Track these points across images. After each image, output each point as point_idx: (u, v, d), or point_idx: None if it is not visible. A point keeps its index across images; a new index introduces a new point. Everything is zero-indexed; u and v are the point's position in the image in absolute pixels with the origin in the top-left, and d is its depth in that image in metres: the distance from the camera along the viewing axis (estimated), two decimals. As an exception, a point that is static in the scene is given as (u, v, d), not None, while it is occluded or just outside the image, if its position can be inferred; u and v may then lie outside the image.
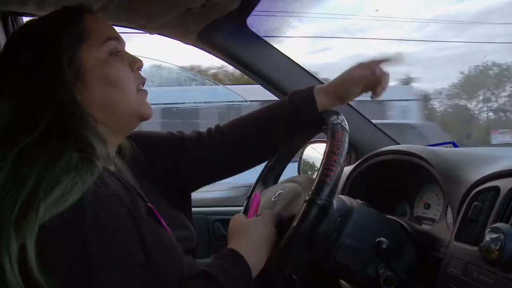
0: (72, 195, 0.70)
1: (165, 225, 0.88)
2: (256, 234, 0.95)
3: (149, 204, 0.87)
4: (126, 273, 0.73)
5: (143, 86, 0.94)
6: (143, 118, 0.93)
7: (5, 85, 0.83)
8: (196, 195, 1.22)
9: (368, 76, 1.10)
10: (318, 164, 1.27)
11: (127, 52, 0.92)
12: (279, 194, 1.14)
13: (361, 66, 1.12)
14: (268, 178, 1.31)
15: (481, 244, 0.83)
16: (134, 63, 0.92)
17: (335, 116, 1.03)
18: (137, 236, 0.76)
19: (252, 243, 0.93)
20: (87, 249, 0.69)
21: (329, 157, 0.92)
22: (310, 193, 0.91)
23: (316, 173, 0.95)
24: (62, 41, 0.84)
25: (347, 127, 0.99)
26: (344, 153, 0.94)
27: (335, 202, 0.99)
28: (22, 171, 0.72)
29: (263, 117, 1.18)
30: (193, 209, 1.17)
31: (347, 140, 0.96)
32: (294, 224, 0.91)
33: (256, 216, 1.02)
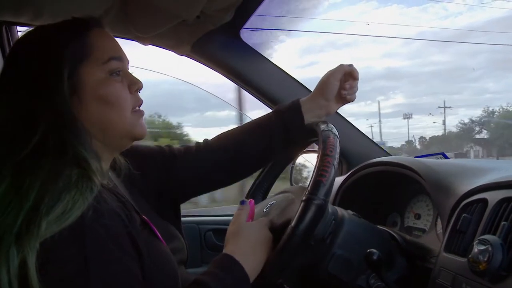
0: (73, 213, 0.70)
1: (160, 237, 0.88)
2: (252, 238, 0.95)
3: (144, 217, 0.87)
4: None
5: (139, 108, 0.93)
6: (136, 138, 0.93)
7: (5, 94, 0.84)
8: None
9: (342, 67, 1.16)
10: (309, 174, 1.28)
11: (128, 73, 0.92)
12: (271, 204, 1.15)
13: (333, 68, 1.18)
14: (256, 194, 1.33)
15: (470, 256, 0.84)
16: (134, 84, 0.91)
17: (325, 125, 1.05)
18: (133, 251, 0.77)
19: (248, 246, 0.93)
20: (88, 266, 0.69)
21: (323, 159, 0.94)
22: (306, 193, 0.92)
23: (310, 178, 0.96)
24: (64, 54, 0.83)
25: (337, 133, 1.01)
26: (337, 156, 0.96)
27: (329, 207, 1.01)
28: (23, 185, 0.71)
29: (250, 131, 1.19)
30: (185, 218, 1.18)
31: (338, 145, 0.98)
32: (292, 224, 0.91)
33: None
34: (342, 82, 1.17)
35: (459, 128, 35.37)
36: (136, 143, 0.98)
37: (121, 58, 0.90)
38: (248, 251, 0.92)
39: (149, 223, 0.88)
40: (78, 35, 0.87)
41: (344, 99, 1.19)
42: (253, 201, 1.08)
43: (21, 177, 0.73)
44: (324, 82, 1.17)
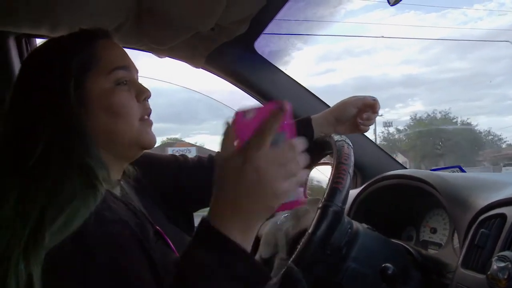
0: (75, 222, 0.69)
1: (173, 248, 0.88)
2: (241, 184, 0.63)
3: (158, 228, 0.87)
4: None
5: (148, 117, 0.93)
6: (144, 147, 0.92)
7: (16, 104, 0.85)
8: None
9: (364, 99, 1.20)
10: (323, 187, 1.27)
11: (136, 82, 0.92)
12: (285, 216, 1.14)
13: (356, 95, 1.23)
14: None
15: (488, 273, 0.83)
16: (141, 93, 0.90)
17: (339, 136, 1.06)
18: (144, 257, 0.75)
19: (237, 201, 0.64)
20: (88, 276, 0.68)
21: (338, 167, 0.94)
22: (323, 200, 0.92)
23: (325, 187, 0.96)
24: (70, 65, 0.84)
25: (351, 144, 1.02)
26: (352, 164, 0.96)
27: (344, 217, 1.00)
28: (27, 201, 0.71)
29: None
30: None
31: (352, 154, 0.99)
32: (310, 230, 0.91)
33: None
34: (361, 112, 1.20)
35: (381, 138, 33.26)
36: (148, 152, 0.98)
37: (127, 67, 0.90)
38: (229, 206, 0.64)
39: (162, 234, 0.87)
40: (84, 46, 0.87)
41: (357, 128, 1.23)
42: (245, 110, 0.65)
43: (27, 189, 0.73)
44: (343, 106, 1.22)
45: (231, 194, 0.63)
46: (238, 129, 0.64)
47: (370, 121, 1.22)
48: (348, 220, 1.03)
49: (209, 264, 0.62)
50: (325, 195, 0.93)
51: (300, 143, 0.65)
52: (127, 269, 0.71)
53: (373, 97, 1.22)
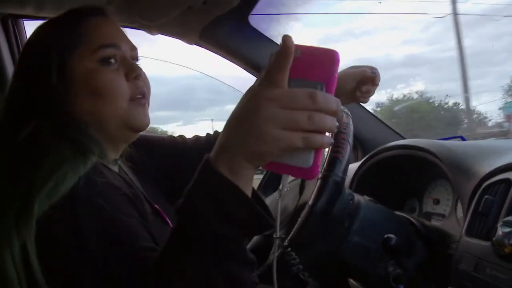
0: (63, 186, 0.67)
1: (171, 225, 0.86)
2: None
3: (156, 206, 0.86)
4: (129, 253, 0.67)
5: (143, 97, 0.87)
6: (135, 129, 0.88)
7: (11, 87, 0.85)
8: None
9: (363, 71, 1.17)
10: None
11: (126, 60, 0.87)
12: (285, 190, 1.12)
13: (355, 67, 1.20)
14: (267, 187, 1.31)
15: (494, 239, 0.81)
16: (131, 72, 0.85)
17: None
18: (136, 214, 0.73)
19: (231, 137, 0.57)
20: (83, 236, 0.66)
21: (338, 136, 0.92)
22: (322, 170, 0.89)
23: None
24: (51, 47, 0.83)
25: (349, 113, 0.99)
26: (351, 133, 0.94)
27: (345, 188, 0.98)
28: (16, 170, 0.71)
29: None
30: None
31: (351, 123, 0.96)
32: (310, 202, 0.89)
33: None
34: (360, 84, 1.17)
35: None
36: (147, 134, 0.95)
37: (115, 44, 0.85)
38: (225, 141, 0.58)
39: (160, 212, 0.86)
40: (71, 26, 0.85)
41: (356, 99, 1.20)
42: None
43: (16, 164, 0.73)
44: (341, 78, 1.17)
45: (229, 131, 0.57)
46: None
47: (370, 93, 1.20)
48: (349, 192, 1.01)
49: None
50: (324, 165, 0.90)
51: (333, 101, 0.54)
52: (119, 223, 0.69)
53: (373, 69, 1.18)
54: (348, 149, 0.91)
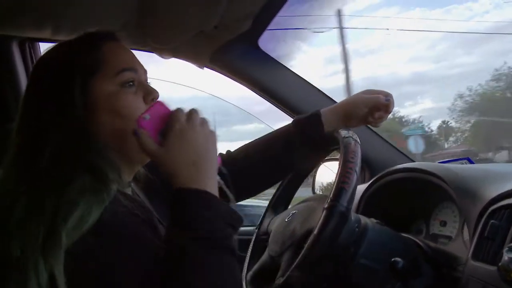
0: (91, 215, 0.70)
1: None
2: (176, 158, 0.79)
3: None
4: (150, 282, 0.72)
5: None
6: None
7: (25, 110, 0.86)
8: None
9: (377, 99, 1.17)
10: (331, 184, 1.27)
11: (144, 83, 0.91)
12: (293, 214, 1.14)
13: (370, 91, 1.19)
14: (278, 205, 1.32)
15: (500, 264, 0.81)
16: (149, 94, 0.90)
17: (346, 131, 1.04)
18: (158, 247, 0.76)
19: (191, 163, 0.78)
20: (112, 267, 0.70)
21: (345, 165, 0.93)
22: (329, 200, 0.90)
23: (332, 185, 0.94)
24: (74, 69, 0.85)
25: (358, 140, 1.00)
26: (359, 162, 0.95)
27: (352, 215, 0.99)
28: (38, 200, 0.72)
29: (269, 142, 1.21)
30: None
31: (359, 151, 0.97)
32: (315, 232, 0.90)
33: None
34: (373, 110, 1.17)
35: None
36: None
37: (134, 69, 0.90)
38: (190, 170, 0.78)
39: None
40: (89, 49, 0.88)
41: (367, 123, 1.20)
42: (141, 116, 0.81)
43: (37, 191, 0.73)
44: (353, 103, 1.19)
45: (185, 162, 0.78)
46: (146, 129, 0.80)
47: (382, 119, 1.19)
48: (355, 219, 1.01)
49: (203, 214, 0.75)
50: (331, 195, 0.91)
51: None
52: (144, 259, 0.73)
53: (387, 95, 1.18)
54: (355, 179, 0.91)
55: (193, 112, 0.81)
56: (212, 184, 0.78)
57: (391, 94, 1.18)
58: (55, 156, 0.78)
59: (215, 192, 0.78)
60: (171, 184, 0.78)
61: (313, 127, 1.15)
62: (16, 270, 0.68)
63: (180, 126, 0.78)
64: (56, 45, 0.92)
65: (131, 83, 0.88)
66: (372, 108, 1.17)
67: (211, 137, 0.81)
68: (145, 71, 0.93)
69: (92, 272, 0.69)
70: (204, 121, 0.81)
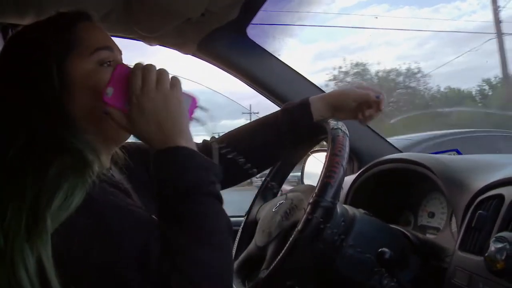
0: (75, 197, 0.70)
1: None
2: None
3: (153, 216, 0.86)
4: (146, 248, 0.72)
5: None
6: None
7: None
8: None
9: (367, 94, 1.13)
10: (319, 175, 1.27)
11: (119, 62, 0.90)
12: (280, 204, 1.13)
13: (362, 86, 1.16)
14: (267, 193, 1.31)
15: (486, 254, 0.81)
16: None
17: (335, 122, 1.02)
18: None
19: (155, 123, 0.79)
20: (107, 231, 0.70)
21: (331, 159, 0.91)
22: (313, 195, 0.89)
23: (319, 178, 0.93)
24: (50, 48, 0.83)
25: (347, 131, 0.99)
26: (346, 156, 0.93)
27: (338, 208, 0.98)
28: (16, 183, 0.71)
29: (257, 129, 1.18)
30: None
31: (348, 144, 0.95)
32: (299, 227, 0.89)
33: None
34: (363, 106, 1.14)
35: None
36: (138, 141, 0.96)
37: (111, 48, 0.89)
38: (155, 131, 0.79)
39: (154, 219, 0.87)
40: (64, 28, 0.86)
41: (356, 119, 1.17)
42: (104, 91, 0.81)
43: (13, 177, 0.72)
44: (341, 96, 1.16)
45: (152, 124, 0.78)
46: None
47: (372, 117, 1.16)
48: (341, 212, 1.00)
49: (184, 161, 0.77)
50: (316, 190, 0.90)
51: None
52: (137, 227, 0.74)
53: (378, 92, 1.14)
54: (341, 173, 0.90)
55: (146, 73, 0.80)
56: (185, 138, 0.79)
57: (382, 92, 1.15)
58: (31, 139, 0.76)
59: (192, 146, 0.79)
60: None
61: (301, 115, 1.13)
62: (1, 258, 0.67)
63: (135, 95, 0.78)
64: (26, 26, 0.91)
65: (109, 63, 0.87)
66: (362, 104, 1.14)
67: (171, 95, 0.79)
68: (120, 52, 0.92)
69: (88, 248, 0.69)
70: (160, 80, 0.80)
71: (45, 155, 0.74)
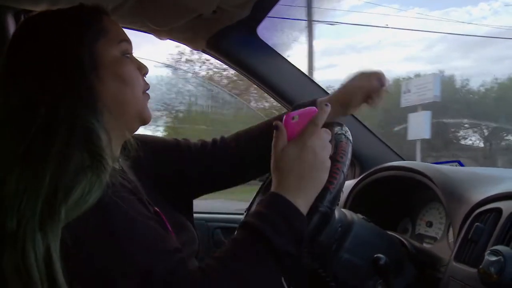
0: (92, 195, 0.70)
1: (170, 229, 0.87)
2: (294, 166, 0.84)
3: (156, 209, 0.87)
4: (161, 255, 0.74)
5: (147, 91, 0.95)
6: (145, 121, 0.94)
7: (12, 77, 0.82)
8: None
9: (371, 85, 1.13)
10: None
11: (135, 58, 0.94)
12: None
13: (362, 76, 1.15)
14: (268, 191, 1.31)
15: (480, 267, 0.81)
16: (142, 68, 0.94)
17: (339, 127, 1.02)
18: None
19: (292, 177, 0.84)
20: (116, 241, 0.71)
21: (332, 165, 0.91)
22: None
23: None
24: (84, 34, 0.85)
25: (350, 138, 0.99)
26: (347, 162, 0.93)
27: (336, 213, 0.98)
28: (35, 169, 0.71)
29: (266, 131, 1.18)
30: (194, 214, 1.16)
31: (350, 150, 0.95)
32: None
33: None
34: (367, 96, 1.14)
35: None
36: (149, 134, 0.98)
37: (129, 41, 0.93)
38: (293, 182, 0.83)
39: (160, 214, 0.87)
40: (94, 18, 0.89)
41: (365, 103, 1.16)
42: (291, 114, 0.90)
43: (32, 162, 0.72)
44: (349, 93, 1.15)
45: (294, 174, 0.83)
46: (288, 128, 0.87)
47: (377, 104, 1.14)
48: (339, 217, 1.00)
49: (275, 220, 0.78)
50: None
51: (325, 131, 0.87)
52: (143, 226, 0.75)
53: (379, 75, 1.13)
54: (341, 179, 0.89)
55: (324, 132, 0.87)
56: (305, 204, 0.83)
57: (382, 73, 1.14)
58: (49, 121, 0.76)
59: (303, 212, 0.82)
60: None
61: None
62: (12, 243, 0.68)
63: (301, 141, 0.85)
64: (43, 13, 0.90)
65: (128, 55, 0.91)
66: (366, 95, 1.13)
67: (326, 164, 0.85)
68: (132, 47, 0.95)
69: (87, 253, 0.70)
70: (327, 146, 0.86)
71: (64, 141, 0.74)
